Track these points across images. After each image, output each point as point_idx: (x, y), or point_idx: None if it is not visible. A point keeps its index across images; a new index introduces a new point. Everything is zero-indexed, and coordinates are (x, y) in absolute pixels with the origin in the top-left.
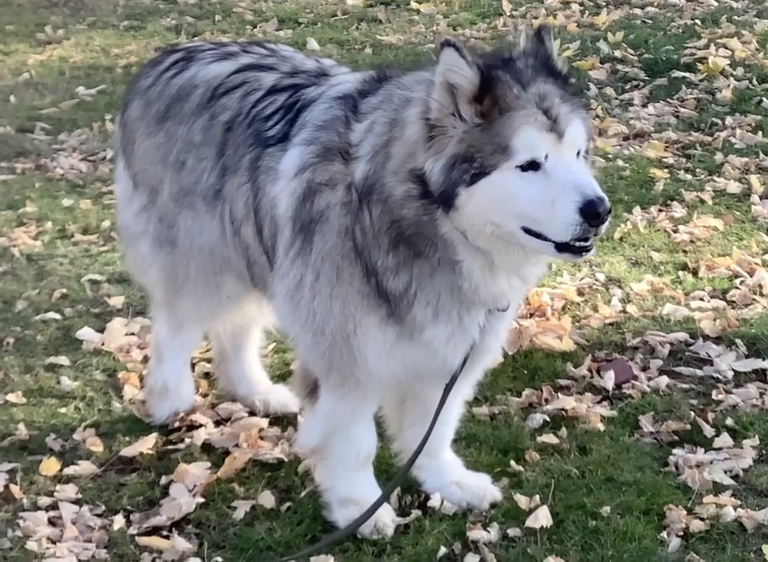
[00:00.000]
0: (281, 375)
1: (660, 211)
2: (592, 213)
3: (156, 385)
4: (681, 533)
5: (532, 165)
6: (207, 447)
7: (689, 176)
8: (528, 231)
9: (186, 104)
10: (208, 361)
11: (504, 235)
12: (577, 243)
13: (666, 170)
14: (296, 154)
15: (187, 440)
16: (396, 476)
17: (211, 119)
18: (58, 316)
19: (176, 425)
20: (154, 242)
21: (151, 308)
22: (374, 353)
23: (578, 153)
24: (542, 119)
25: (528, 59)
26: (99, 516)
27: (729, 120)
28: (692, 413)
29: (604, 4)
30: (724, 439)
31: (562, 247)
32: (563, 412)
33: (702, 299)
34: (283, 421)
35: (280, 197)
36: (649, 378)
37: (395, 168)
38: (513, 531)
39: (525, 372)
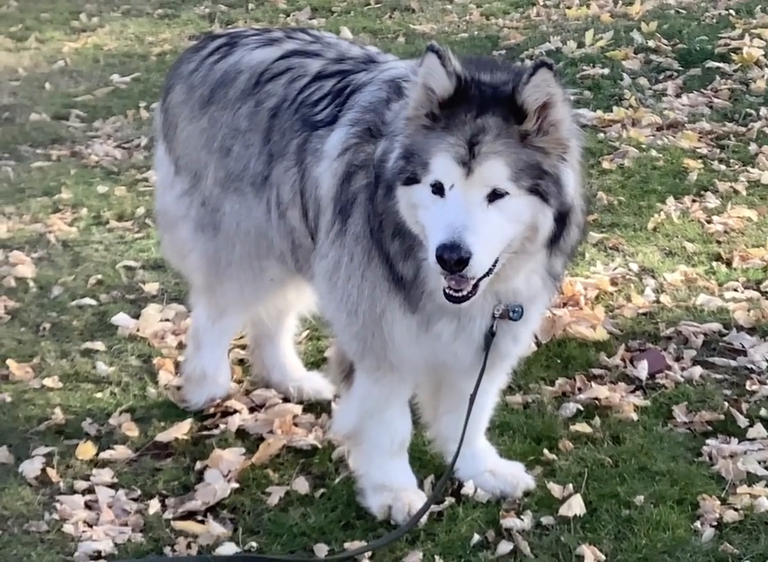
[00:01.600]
0: (315, 362)
1: (694, 201)
2: (439, 257)
3: (194, 372)
4: (715, 523)
5: (440, 190)
6: (241, 433)
7: (723, 167)
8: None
9: (230, 90)
10: (243, 347)
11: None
12: (448, 290)
13: (699, 161)
14: (341, 135)
15: (222, 426)
16: (442, 477)
17: (256, 105)
18: (93, 302)
19: (211, 411)
20: (196, 226)
21: (191, 294)
22: (401, 338)
23: (497, 193)
24: (462, 152)
25: (497, 83)
26: (135, 500)
27: (763, 111)
28: (726, 403)
29: None
30: (758, 430)
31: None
32: (597, 401)
33: (735, 290)
34: (317, 407)
35: (323, 178)
36: (683, 369)
37: (386, 172)
38: (546, 520)
39: (559, 361)
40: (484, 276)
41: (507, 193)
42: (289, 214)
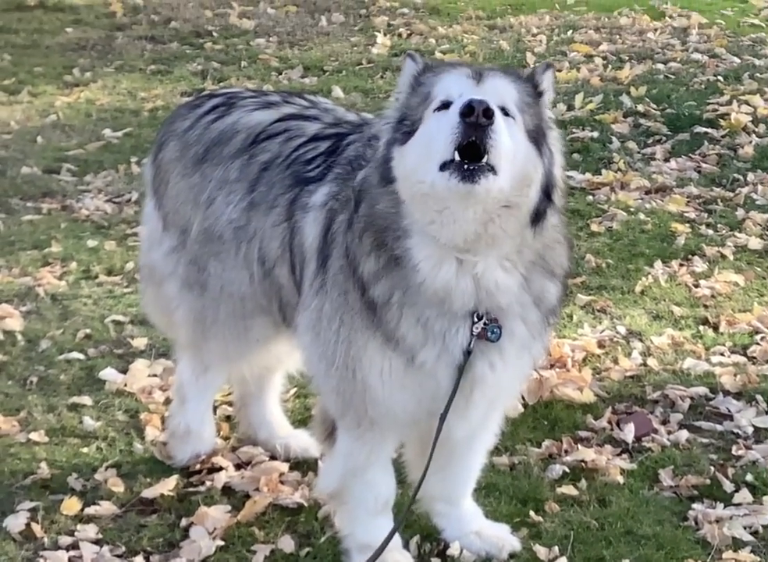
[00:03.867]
0: (302, 420)
1: (681, 265)
2: (467, 107)
3: (179, 427)
4: None
5: (446, 105)
6: (227, 490)
7: (710, 231)
8: (441, 168)
9: (226, 148)
10: (229, 404)
11: (428, 190)
12: (465, 164)
13: (687, 225)
14: (327, 189)
15: (208, 483)
16: (404, 510)
17: (249, 158)
18: (81, 356)
19: (197, 467)
20: (183, 284)
21: (176, 350)
22: (380, 384)
23: (504, 111)
24: (466, 70)
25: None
26: (119, 557)
27: (751, 176)
28: (712, 468)
29: (627, 58)
30: (744, 495)
31: (450, 167)
32: (583, 464)
33: (722, 354)
34: (304, 465)
35: (308, 229)
36: (669, 432)
37: (376, 159)
38: None
39: (545, 423)
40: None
41: (514, 119)
42: (277, 272)
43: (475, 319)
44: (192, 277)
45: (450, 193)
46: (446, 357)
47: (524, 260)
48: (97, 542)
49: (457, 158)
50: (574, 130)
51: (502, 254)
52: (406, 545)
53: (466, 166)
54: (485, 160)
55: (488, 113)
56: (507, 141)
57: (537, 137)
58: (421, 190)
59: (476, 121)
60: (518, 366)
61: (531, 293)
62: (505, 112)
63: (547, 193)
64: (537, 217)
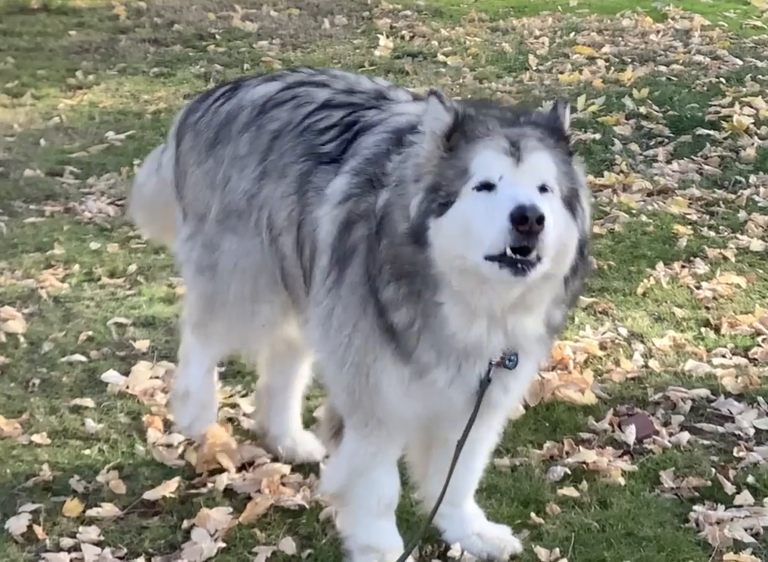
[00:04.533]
0: (305, 422)
1: (683, 267)
2: (519, 216)
3: (179, 389)
4: None
5: (487, 186)
6: (229, 492)
7: (712, 233)
8: (489, 258)
9: (233, 126)
10: (232, 406)
11: (470, 267)
12: (516, 256)
13: (689, 227)
14: (343, 182)
15: (210, 485)
16: (419, 529)
17: (258, 129)
18: (83, 358)
19: (198, 471)
20: (197, 269)
21: (182, 319)
22: (390, 390)
23: (544, 188)
24: (504, 145)
25: (528, 116)
26: (121, 559)
27: (753, 178)
28: (713, 469)
29: (629, 60)
30: (745, 497)
31: (502, 261)
32: (584, 465)
33: (724, 356)
34: (305, 468)
35: (323, 221)
36: (671, 434)
37: (403, 204)
38: None
39: (547, 425)
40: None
41: (552, 192)
42: (282, 240)
43: None
44: (205, 261)
45: (497, 280)
46: (459, 382)
47: (549, 303)
48: (98, 543)
49: (508, 252)
50: (576, 132)
51: (541, 306)
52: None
53: (517, 264)
54: (534, 254)
55: (540, 221)
56: (553, 230)
57: (571, 201)
58: (462, 265)
59: (529, 230)
60: (526, 377)
61: (545, 321)
62: (544, 188)
63: (581, 251)
64: (571, 275)
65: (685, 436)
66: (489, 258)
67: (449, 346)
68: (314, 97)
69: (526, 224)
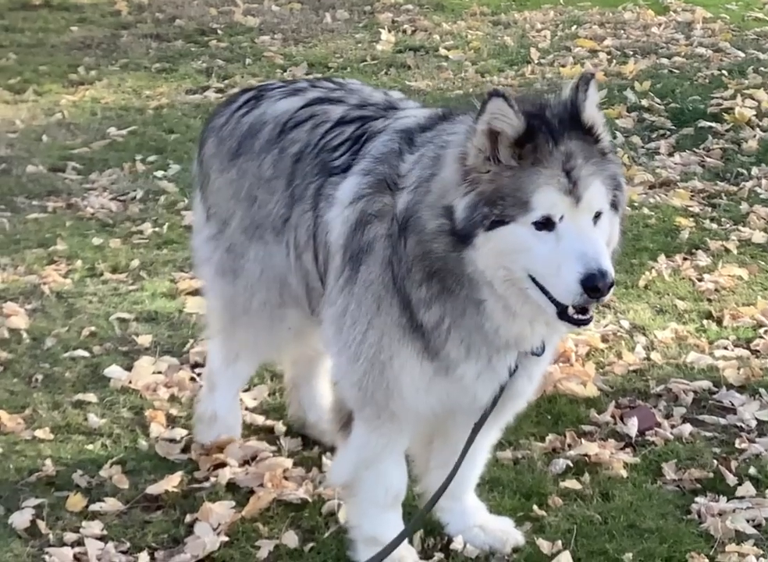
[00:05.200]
0: None
1: (685, 259)
2: (591, 286)
3: (206, 413)
4: None
5: (547, 225)
6: (231, 486)
7: (714, 226)
8: (534, 281)
9: (256, 141)
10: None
11: (515, 281)
12: (576, 316)
13: (691, 219)
14: (353, 183)
15: (212, 479)
16: (417, 515)
17: (280, 152)
18: (86, 354)
19: (201, 465)
20: (217, 270)
21: (207, 335)
22: (410, 386)
23: (598, 215)
24: (564, 182)
25: (559, 109)
26: (124, 553)
27: (755, 170)
28: (715, 461)
29: (631, 53)
30: (747, 488)
31: (562, 314)
32: (586, 458)
33: (726, 348)
34: (308, 461)
35: (334, 224)
36: (672, 426)
37: (431, 203)
38: None
39: (549, 417)
40: None
41: (604, 212)
42: (304, 257)
43: None
44: (226, 264)
45: (548, 318)
46: (489, 374)
47: None
48: (102, 538)
49: (570, 311)
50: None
51: None
52: (410, 540)
53: (578, 323)
54: (594, 310)
55: (610, 287)
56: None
57: (615, 199)
58: (510, 277)
59: (599, 296)
60: (546, 363)
61: None
62: (598, 214)
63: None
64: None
65: (687, 428)
66: (546, 294)
67: (483, 340)
68: (330, 116)
69: (598, 293)
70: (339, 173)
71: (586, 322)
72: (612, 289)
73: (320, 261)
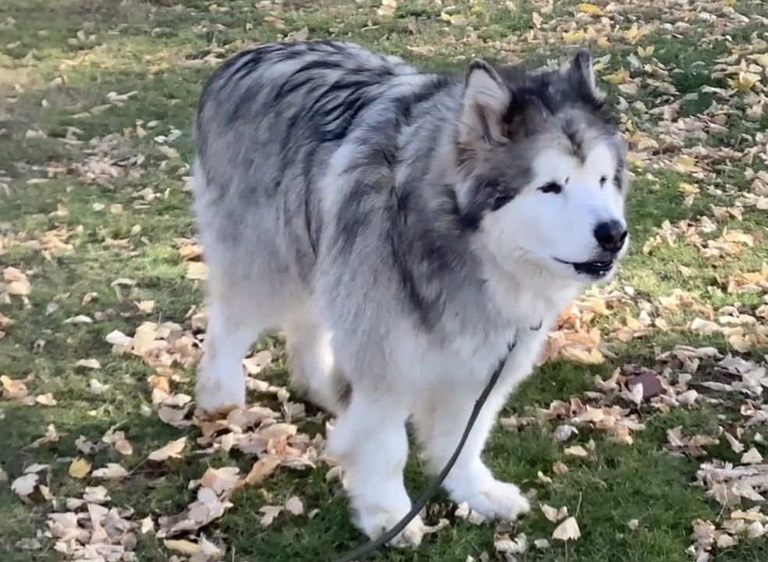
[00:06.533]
0: None
1: (690, 225)
2: (605, 235)
3: (209, 381)
4: (709, 548)
5: (553, 187)
6: (235, 453)
7: (719, 192)
8: (557, 259)
9: (253, 104)
10: None
11: (532, 259)
12: (598, 266)
13: (695, 185)
14: (348, 151)
15: (216, 445)
16: (427, 489)
17: (276, 116)
18: (88, 319)
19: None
20: (218, 236)
21: (208, 302)
22: (405, 358)
23: (603, 179)
24: (566, 143)
25: (561, 84)
26: (128, 519)
27: (759, 136)
28: (721, 428)
29: (635, 18)
30: (753, 455)
31: (580, 267)
32: (592, 424)
33: (731, 314)
34: (312, 427)
35: (327, 192)
36: (678, 393)
37: (431, 181)
38: (540, 543)
39: (554, 384)
40: None
41: (617, 181)
42: (295, 222)
43: None
44: (227, 230)
45: (571, 279)
46: (486, 350)
47: None
48: (105, 504)
49: (593, 259)
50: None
51: None
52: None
53: (599, 271)
54: (614, 263)
55: (623, 237)
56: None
57: (619, 174)
58: (524, 256)
59: (614, 246)
60: (544, 334)
61: None
62: (602, 180)
63: None
64: None
65: (692, 395)
66: (563, 261)
67: (480, 315)
68: (326, 80)
69: (612, 242)
70: (333, 139)
71: (607, 268)
72: (626, 241)
73: (312, 228)
